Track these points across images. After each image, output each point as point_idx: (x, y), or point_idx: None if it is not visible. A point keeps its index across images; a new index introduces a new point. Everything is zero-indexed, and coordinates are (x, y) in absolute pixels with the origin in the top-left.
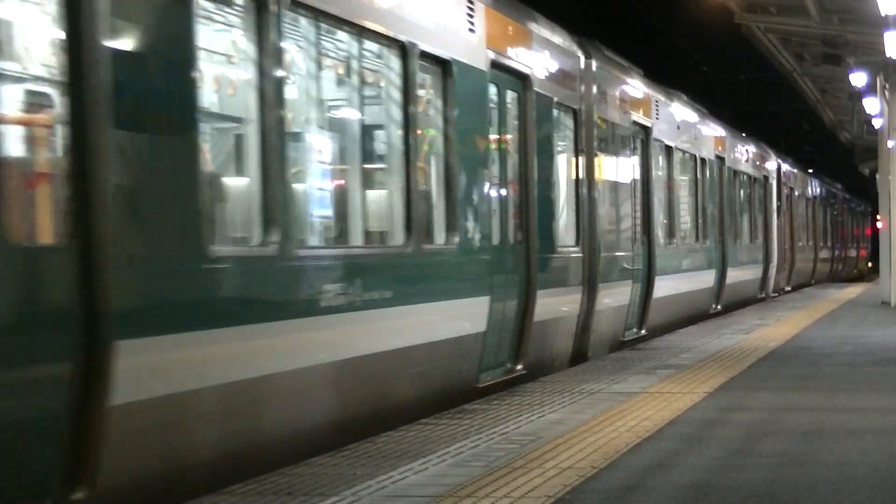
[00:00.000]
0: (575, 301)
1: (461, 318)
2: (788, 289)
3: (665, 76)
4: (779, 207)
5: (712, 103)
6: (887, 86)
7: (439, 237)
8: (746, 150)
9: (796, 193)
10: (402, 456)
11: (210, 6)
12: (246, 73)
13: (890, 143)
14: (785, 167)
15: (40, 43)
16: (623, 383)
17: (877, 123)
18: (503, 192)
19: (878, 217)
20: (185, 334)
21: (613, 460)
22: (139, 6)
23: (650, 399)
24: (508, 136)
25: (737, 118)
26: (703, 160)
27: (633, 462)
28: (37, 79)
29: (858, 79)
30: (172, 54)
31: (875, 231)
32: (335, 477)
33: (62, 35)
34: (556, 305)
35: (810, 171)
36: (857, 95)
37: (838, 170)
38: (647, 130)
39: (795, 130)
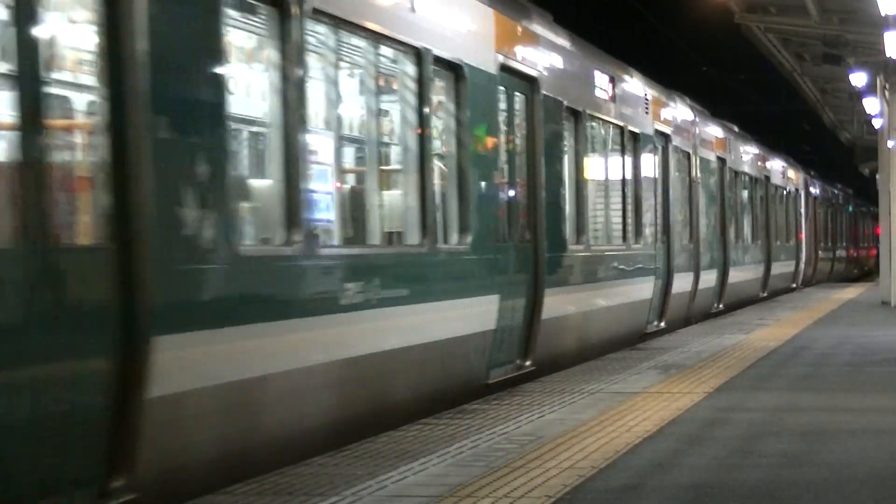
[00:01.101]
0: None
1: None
2: (813, 281)
3: (665, 76)
4: (806, 214)
5: (712, 103)
6: (887, 86)
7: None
8: (783, 168)
9: (818, 201)
10: (402, 456)
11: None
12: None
13: (890, 143)
14: (810, 179)
15: (85, 53)
16: (623, 383)
17: (877, 123)
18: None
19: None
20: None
21: (613, 460)
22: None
23: (650, 399)
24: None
25: (737, 118)
26: (754, 178)
27: (633, 462)
28: (81, 87)
29: (858, 79)
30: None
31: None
32: (335, 477)
33: (104, 46)
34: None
35: (832, 181)
36: (857, 95)
37: (838, 170)
38: (723, 161)
39: (795, 130)
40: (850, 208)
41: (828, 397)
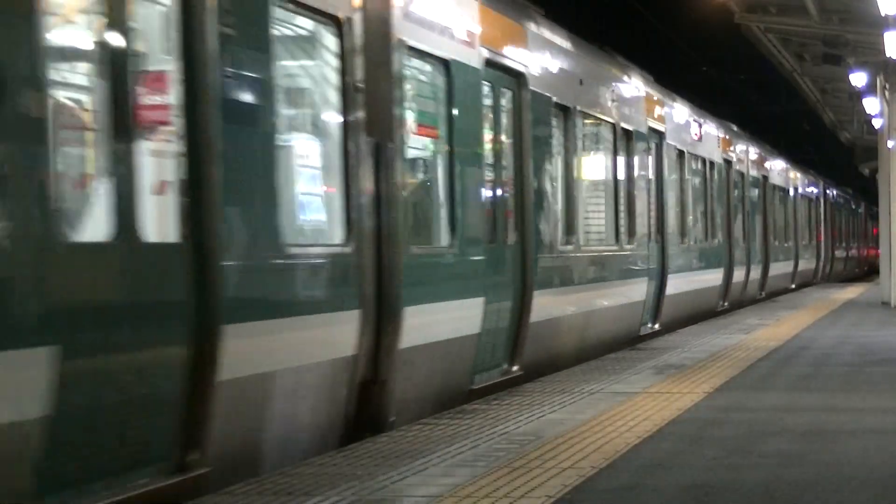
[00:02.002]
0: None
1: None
2: (830, 277)
3: (665, 76)
4: (824, 218)
5: (712, 103)
6: (887, 86)
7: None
8: (806, 179)
9: (833, 206)
10: (402, 456)
11: None
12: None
13: (890, 143)
14: (826, 187)
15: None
16: (623, 383)
17: (877, 123)
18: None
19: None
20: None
21: (613, 460)
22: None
23: (650, 399)
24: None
25: (737, 118)
26: (786, 190)
27: (633, 462)
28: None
29: (858, 79)
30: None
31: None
32: (335, 477)
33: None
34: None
35: (845, 188)
36: (857, 95)
37: (838, 170)
38: (766, 178)
39: (795, 130)
40: (860, 210)
41: (828, 397)
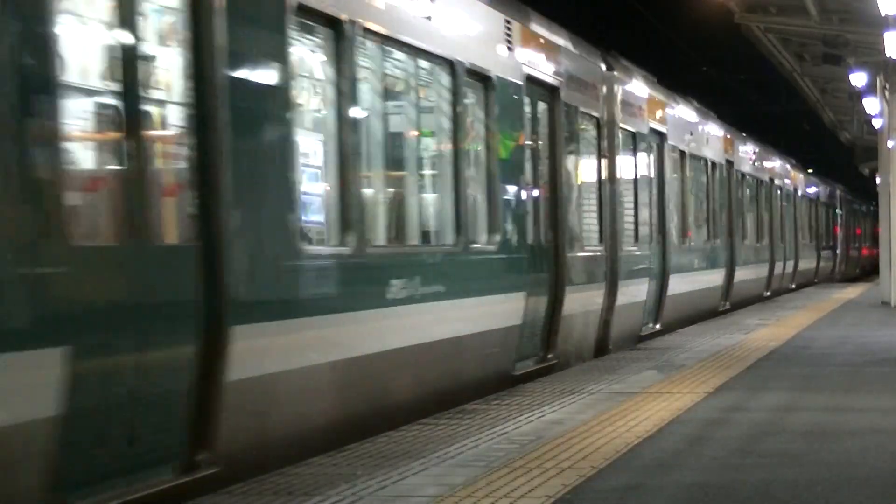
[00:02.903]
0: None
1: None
2: (846, 274)
3: (665, 76)
4: (841, 223)
5: (712, 103)
6: (887, 86)
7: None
8: (828, 188)
9: (849, 211)
10: (402, 456)
11: None
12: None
13: (890, 143)
14: (843, 195)
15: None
16: (623, 383)
17: (877, 123)
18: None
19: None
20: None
21: (613, 460)
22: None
23: (650, 399)
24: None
25: (737, 118)
26: (813, 200)
27: (633, 462)
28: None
29: (858, 79)
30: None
31: None
32: (335, 477)
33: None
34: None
35: (855, 190)
36: (857, 95)
37: (838, 170)
38: (772, 180)
39: (795, 130)
40: (872, 212)
41: (828, 397)
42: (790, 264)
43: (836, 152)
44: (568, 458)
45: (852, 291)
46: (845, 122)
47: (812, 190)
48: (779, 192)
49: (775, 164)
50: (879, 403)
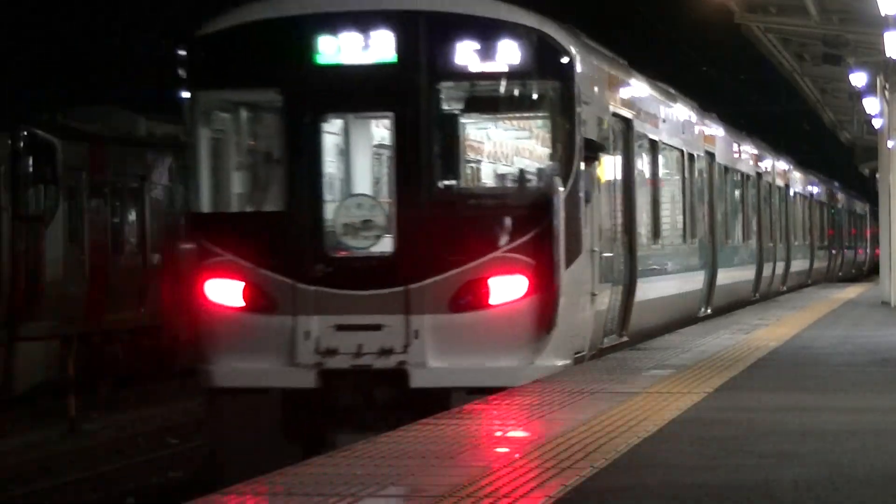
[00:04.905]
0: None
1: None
2: (871, 271)
3: (665, 76)
4: (869, 227)
5: (712, 103)
6: (887, 86)
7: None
8: (856, 201)
9: (874, 217)
10: (402, 456)
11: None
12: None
13: (890, 143)
14: (871, 206)
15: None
16: (623, 383)
17: (877, 123)
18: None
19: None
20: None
21: (613, 460)
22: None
23: (650, 399)
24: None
25: (737, 118)
26: (848, 210)
27: (633, 462)
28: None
29: (858, 79)
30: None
31: None
32: (335, 477)
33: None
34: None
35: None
36: (857, 95)
37: (838, 170)
38: (811, 195)
39: (795, 130)
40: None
41: (828, 397)
42: (824, 262)
43: (836, 152)
44: (568, 458)
45: (852, 291)
46: (845, 122)
47: (851, 204)
48: (768, 188)
49: (821, 187)
50: (880, 403)
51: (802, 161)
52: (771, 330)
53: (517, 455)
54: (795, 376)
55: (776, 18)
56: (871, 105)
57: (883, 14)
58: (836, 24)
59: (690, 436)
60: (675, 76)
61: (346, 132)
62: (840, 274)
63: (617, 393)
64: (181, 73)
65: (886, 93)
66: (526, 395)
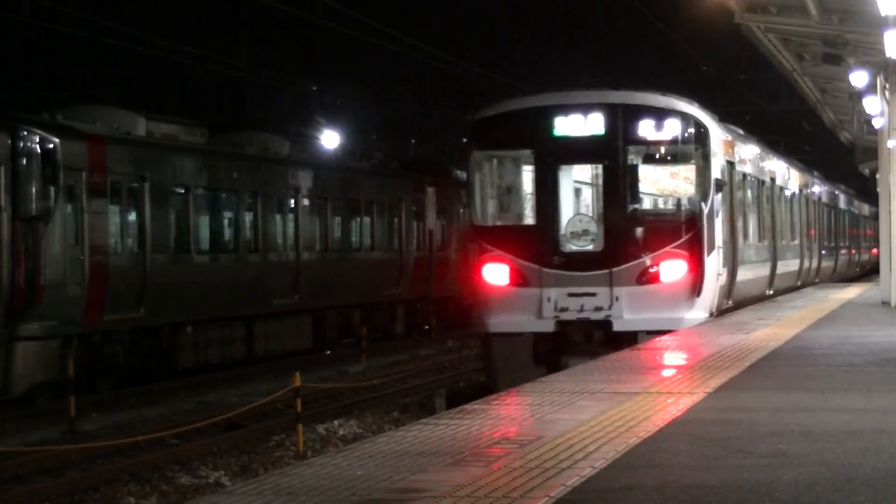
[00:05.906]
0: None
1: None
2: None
3: (665, 76)
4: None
5: (712, 103)
6: (887, 86)
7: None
8: (871, 207)
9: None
10: (402, 455)
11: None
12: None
13: (890, 143)
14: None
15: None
16: (623, 383)
17: (877, 123)
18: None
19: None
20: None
21: (613, 460)
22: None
23: (650, 399)
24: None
25: (737, 118)
26: (858, 215)
27: (633, 462)
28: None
29: (858, 79)
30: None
31: None
32: (335, 477)
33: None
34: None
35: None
36: (857, 95)
37: (838, 170)
38: (843, 207)
39: (795, 130)
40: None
41: (828, 397)
42: (845, 259)
43: (836, 152)
44: (568, 457)
45: (852, 291)
46: (845, 122)
47: (833, 198)
48: (806, 200)
49: (804, 176)
50: (880, 403)
51: (801, 161)
52: (771, 330)
53: (517, 455)
54: (796, 376)
55: (776, 18)
56: (871, 105)
57: (883, 14)
58: (836, 24)
59: (690, 436)
60: (675, 76)
61: (567, 177)
62: (858, 270)
63: (617, 393)
64: (467, 140)
65: (886, 93)
66: (526, 395)
